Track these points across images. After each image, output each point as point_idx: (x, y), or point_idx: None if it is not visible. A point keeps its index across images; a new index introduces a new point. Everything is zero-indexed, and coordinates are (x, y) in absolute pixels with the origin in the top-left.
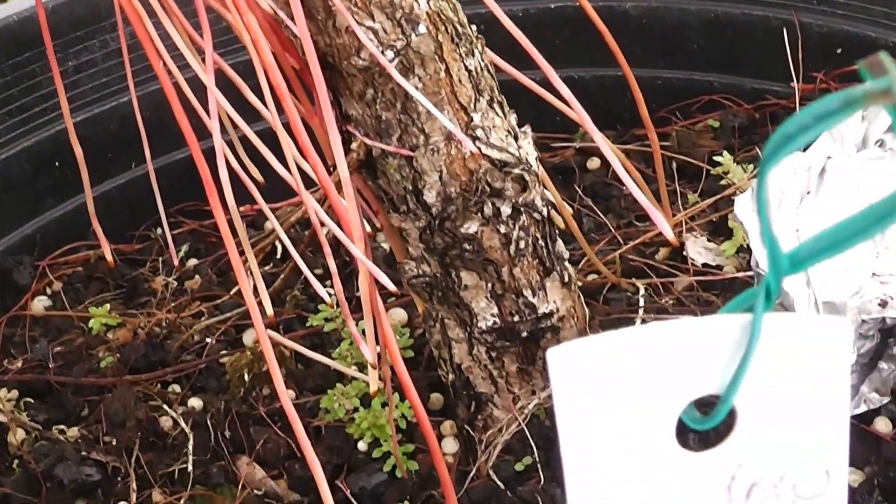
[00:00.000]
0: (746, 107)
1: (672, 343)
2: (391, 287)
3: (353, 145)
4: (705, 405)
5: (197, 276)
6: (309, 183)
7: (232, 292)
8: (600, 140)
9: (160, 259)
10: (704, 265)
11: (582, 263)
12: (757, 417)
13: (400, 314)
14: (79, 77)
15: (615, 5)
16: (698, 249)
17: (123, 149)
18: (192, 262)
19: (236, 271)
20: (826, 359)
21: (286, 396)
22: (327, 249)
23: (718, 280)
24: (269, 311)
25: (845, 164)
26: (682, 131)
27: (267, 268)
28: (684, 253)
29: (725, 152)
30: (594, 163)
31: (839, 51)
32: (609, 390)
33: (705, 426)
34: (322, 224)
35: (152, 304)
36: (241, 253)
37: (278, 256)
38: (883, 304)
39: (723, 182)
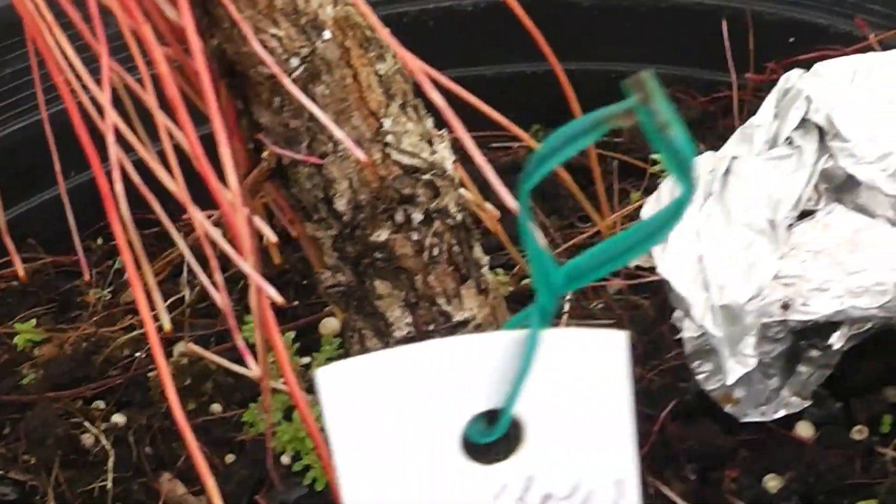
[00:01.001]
0: (701, 99)
1: (452, 359)
2: (279, 300)
3: (265, 154)
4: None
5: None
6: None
7: (165, 304)
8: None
9: (95, 271)
10: (637, 267)
11: (517, 269)
12: (545, 430)
13: (333, 324)
14: (17, 83)
15: None
16: None
17: (64, 157)
18: None
19: (132, 285)
20: (604, 372)
21: (180, 412)
22: (214, 263)
23: (649, 282)
24: (167, 325)
25: (750, 163)
26: (633, 126)
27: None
28: None
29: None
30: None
31: (791, 39)
32: (386, 408)
33: (489, 439)
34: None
35: (84, 318)
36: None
37: None
38: (786, 307)
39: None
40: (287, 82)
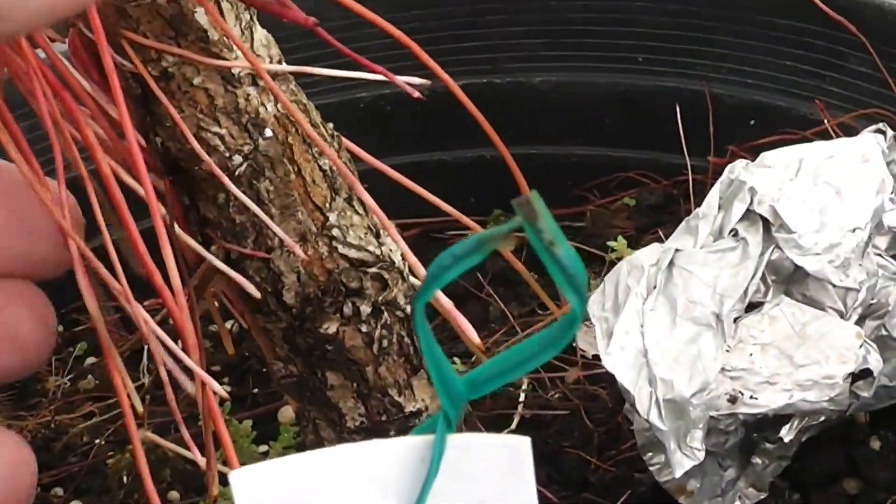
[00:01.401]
0: (664, 183)
1: (363, 464)
2: (222, 393)
3: (213, 248)
4: None
5: (90, 377)
6: None
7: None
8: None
9: (54, 358)
10: (595, 357)
11: (474, 358)
12: None
13: (291, 412)
14: None
15: (523, 80)
16: (589, 340)
17: None
18: (91, 360)
19: (111, 370)
20: (511, 477)
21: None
22: (160, 359)
23: (606, 373)
24: (139, 406)
25: (695, 256)
26: (597, 211)
27: None
28: (574, 344)
29: (620, 237)
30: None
31: (752, 122)
32: None
33: None
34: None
35: (43, 405)
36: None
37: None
38: (732, 400)
39: None
40: (228, 182)
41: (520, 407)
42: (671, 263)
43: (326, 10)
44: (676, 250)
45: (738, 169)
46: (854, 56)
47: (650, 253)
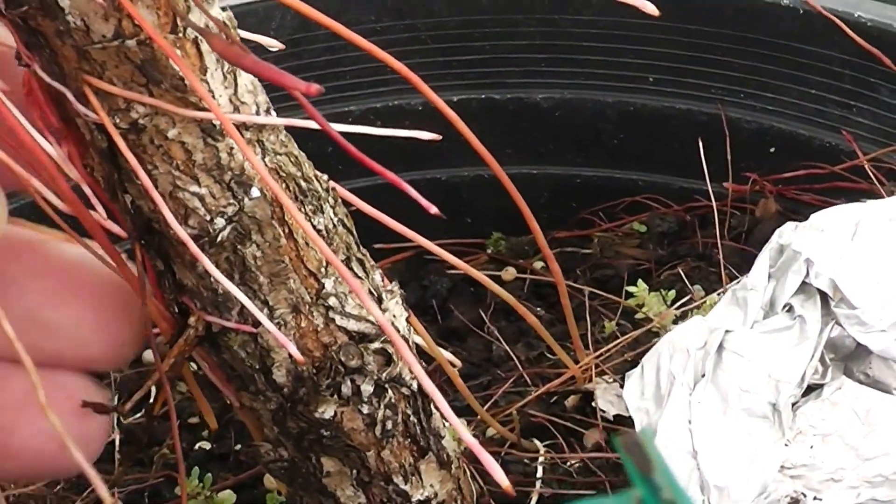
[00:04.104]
0: (676, 208)
1: None
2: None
3: (191, 319)
4: None
5: None
6: None
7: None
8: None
9: None
10: (616, 417)
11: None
12: None
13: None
14: None
15: (524, 96)
16: (609, 399)
17: None
18: None
19: None
20: None
21: None
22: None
23: None
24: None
25: (746, 338)
26: (604, 237)
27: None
28: (594, 404)
29: (640, 281)
30: (509, 273)
31: (772, 150)
32: None
33: None
34: None
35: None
36: None
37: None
38: (795, 503)
39: (639, 315)
40: (201, 256)
41: (538, 484)
42: (720, 347)
43: (313, 28)
44: (726, 332)
45: (788, 233)
46: (885, 87)
47: (695, 332)
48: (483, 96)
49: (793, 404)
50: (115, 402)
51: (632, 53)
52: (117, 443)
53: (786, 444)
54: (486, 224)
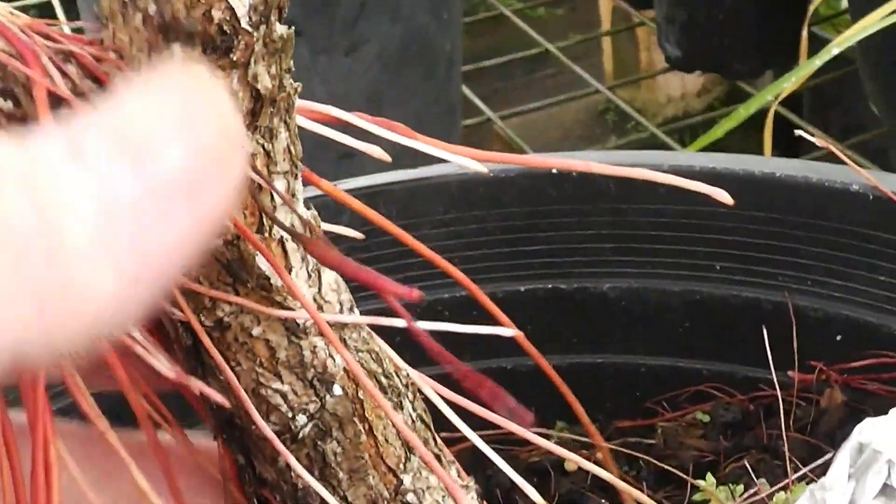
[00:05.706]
0: (740, 397)
1: None
2: None
3: None
4: None
5: None
6: None
7: None
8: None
9: None
10: None
11: None
12: None
13: None
14: None
15: (591, 286)
16: None
17: None
18: None
19: None
20: None
21: None
22: None
23: None
24: None
25: None
26: (667, 427)
27: None
28: None
29: (709, 475)
30: (571, 465)
31: (839, 337)
32: None
33: None
34: None
35: None
36: None
37: None
38: None
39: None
40: (285, 452)
41: None
42: None
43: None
44: None
45: (868, 431)
46: None
47: None
48: (550, 286)
49: None
50: None
51: (699, 241)
52: None
53: None
54: (551, 413)
